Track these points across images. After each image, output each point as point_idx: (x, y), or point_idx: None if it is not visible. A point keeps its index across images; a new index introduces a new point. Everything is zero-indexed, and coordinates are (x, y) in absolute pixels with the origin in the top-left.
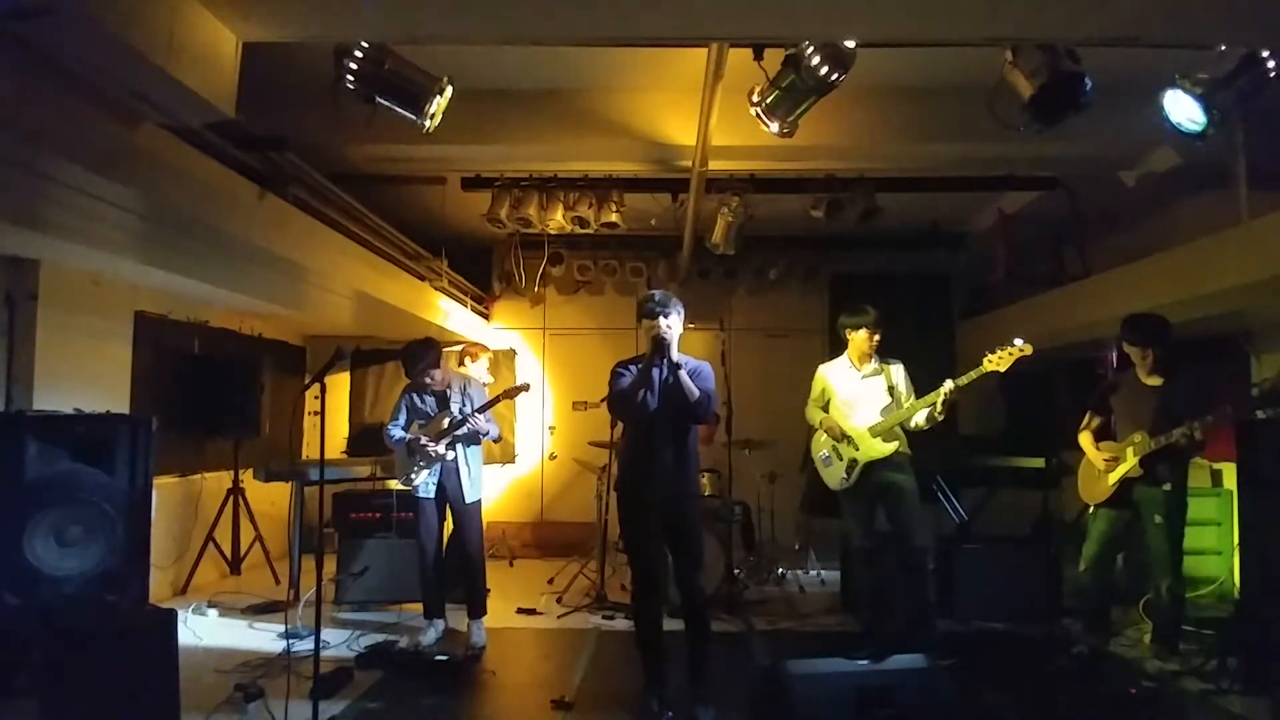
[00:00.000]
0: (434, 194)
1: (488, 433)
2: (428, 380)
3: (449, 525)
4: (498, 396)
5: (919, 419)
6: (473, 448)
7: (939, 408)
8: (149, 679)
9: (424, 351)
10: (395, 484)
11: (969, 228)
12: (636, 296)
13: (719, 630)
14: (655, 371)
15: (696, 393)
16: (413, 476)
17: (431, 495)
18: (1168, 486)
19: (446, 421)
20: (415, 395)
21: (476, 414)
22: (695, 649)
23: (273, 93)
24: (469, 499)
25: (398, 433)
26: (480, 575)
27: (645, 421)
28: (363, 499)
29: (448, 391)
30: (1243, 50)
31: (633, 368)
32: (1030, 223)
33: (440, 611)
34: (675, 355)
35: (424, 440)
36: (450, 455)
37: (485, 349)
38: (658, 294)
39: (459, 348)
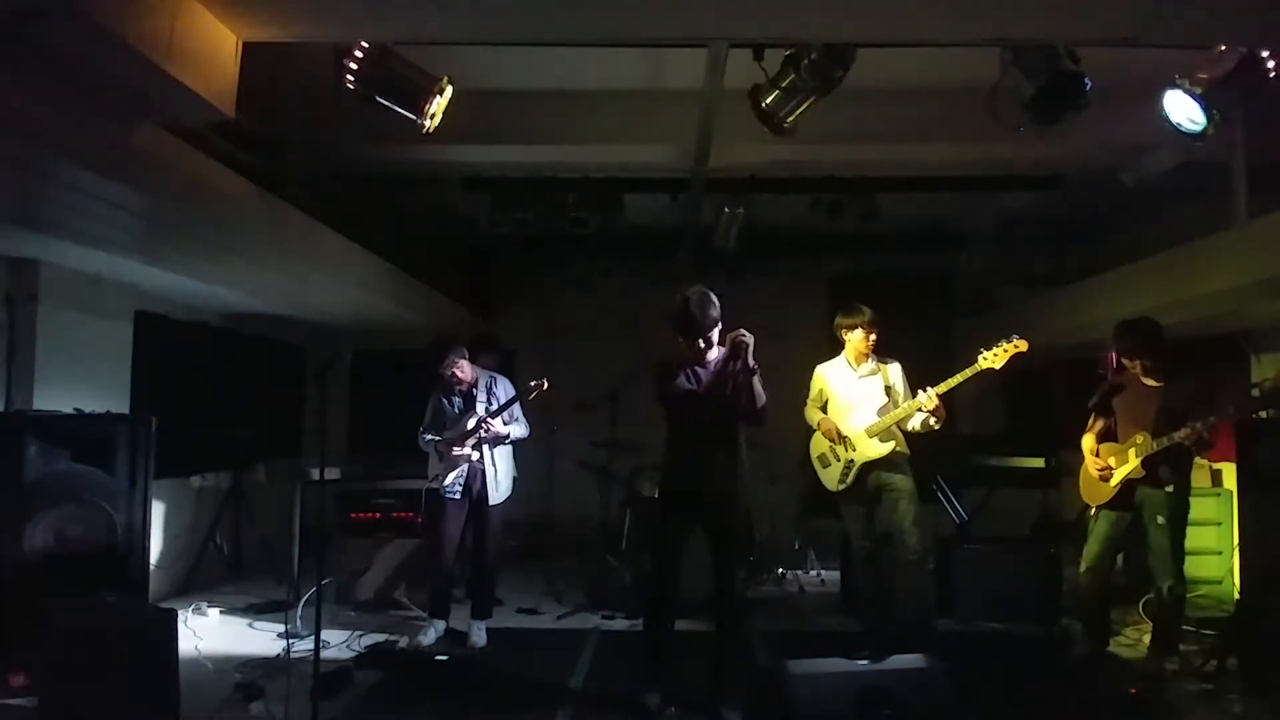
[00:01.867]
0: (434, 194)
1: (507, 436)
2: (458, 374)
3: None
4: (514, 397)
5: (914, 423)
6: (500, 448)
7: (927, 421)
8: (149, 679)
9: (445, 350)
10: (395, 484)
11: (969, 228)
12: (685, 295)
13: None
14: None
15: (764, 398)
16: (442, 478)
17: (457, 496)
18: (1169, 488)
19: (472, 422)
20: (443, 397)
21: (490, 418)
22: (723, 650)
23: (273, 93)
24: (493, 500)
25: (427, 435)
26: (493, 577)
27: (704, 422)
28: (364, 499)
29: (474, 390)
30: (1243, 50)
31: (684, 369)
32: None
33: (444, 612)
34: (752, 360)
35: (452, 447)
36: (476, 456)
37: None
38: (714, 300)
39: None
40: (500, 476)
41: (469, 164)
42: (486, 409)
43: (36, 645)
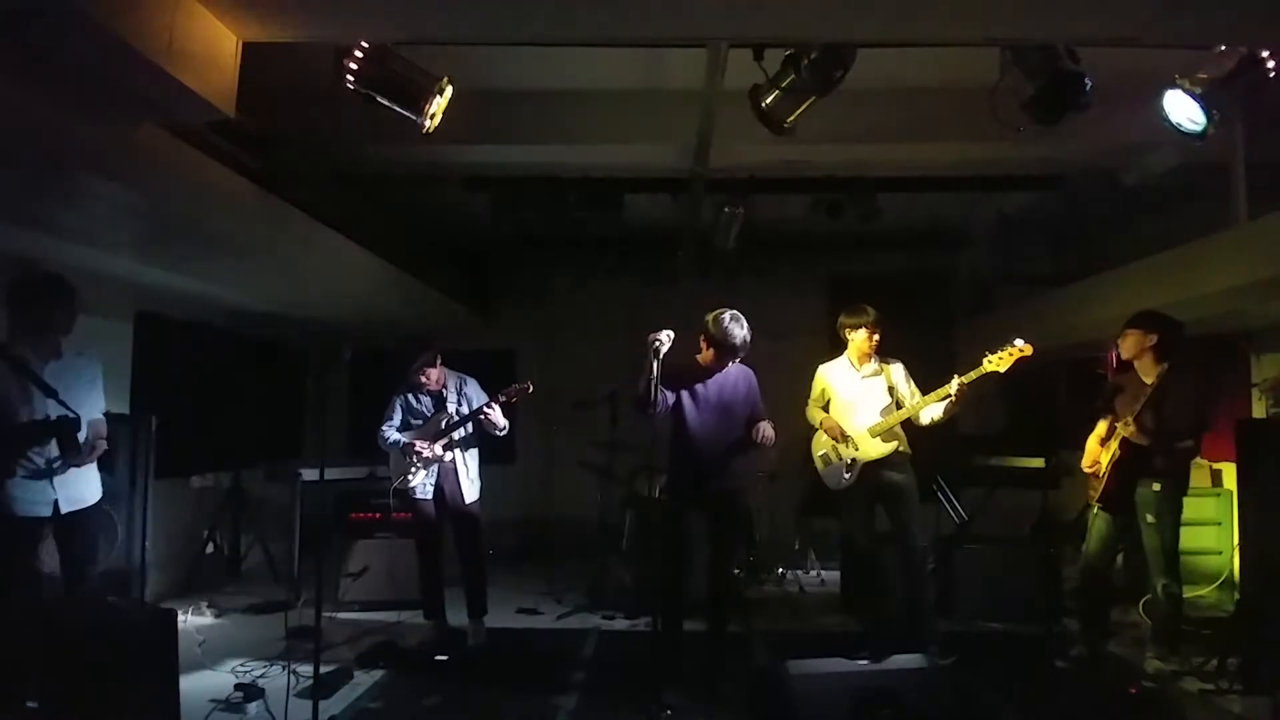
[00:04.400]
0: (434, 194)
1: (504, 427)
2: (422, 380)
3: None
4: (497, 397)
5: (935, 413)
6: (470, 449)
7: (952, 405)
8: (149, 679)
9: (417, 350)
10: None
11: (969, 228)
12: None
13: None
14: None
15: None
16: (409, 478)
17: (429, 496)
18: (1157, 486)
19: (444, 422)
20: (411, 395)
21: (460, 424)
22: (716, 646)
23: (273, 93)
24: (468, 499)
25: (392, 434)
26: (482, 575)
27: (694, 423)
28: (363, 499)
29: (444, 391)
30: (1243, 50)
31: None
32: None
33: (440, 612)
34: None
35: (419, 446)
36: (448, 456)
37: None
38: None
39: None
40: (473, 476)
41: (469, 164)
42: (458, 409)
43: (37, 645)
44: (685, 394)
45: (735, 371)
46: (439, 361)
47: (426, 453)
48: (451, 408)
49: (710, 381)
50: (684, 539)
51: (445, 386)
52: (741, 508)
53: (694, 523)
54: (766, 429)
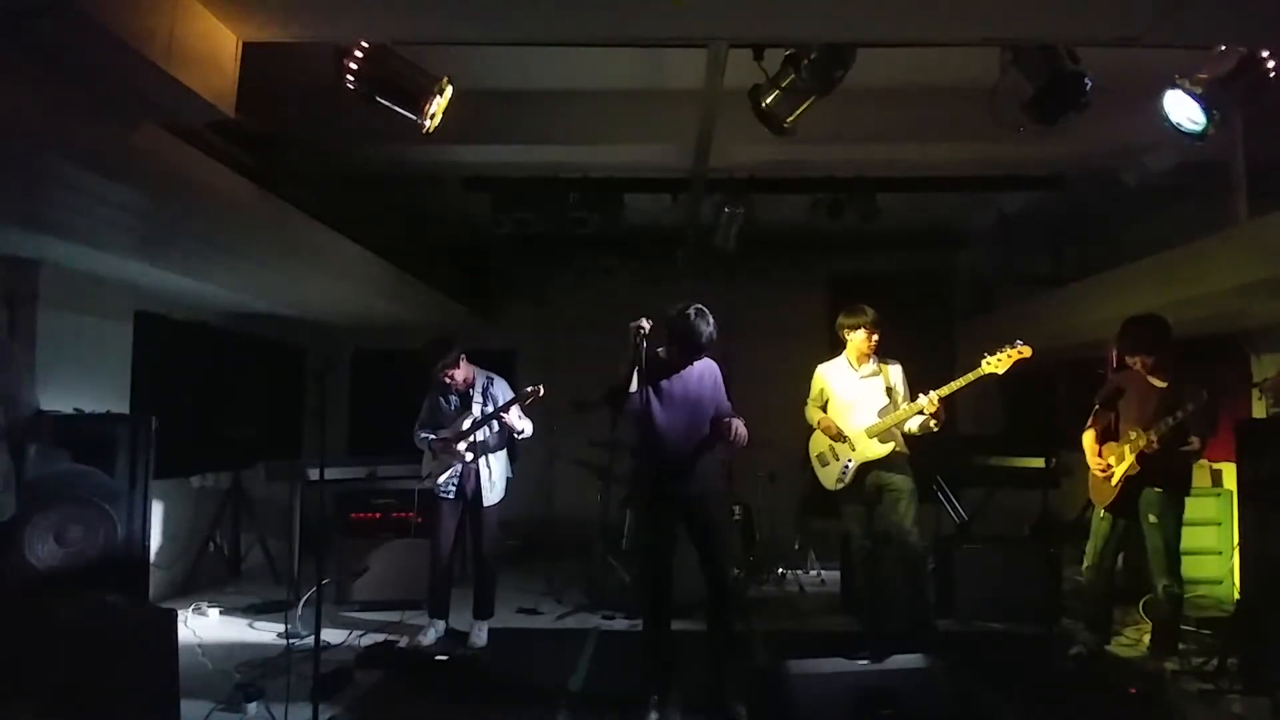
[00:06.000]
0: (434, 194)
1: (522, 431)
2: (448, 380)
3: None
4: (511, 401)
5: (912, 425)
6: (496, 451)
7: (927, 423)
8: (149, 679)
9: (441, 351)
10: (395, 483)
11: (969, 228)
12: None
13: None
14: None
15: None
16: (435, 477)
17: (451, 495)
18: (1159, 488)
19: (467, 423)
20: (440, 396)
21: (484, 423)
22: (720, 645)
23: (273, 93)
24: (488, 501)
25: (423, 433)
26: (492, 577)
27: (660, 419)
28: (364, 499)
29: (470, 391)
30: (1243, 50)
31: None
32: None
33: (444, 611)
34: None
35: (445, 445)
36: (470, 457)
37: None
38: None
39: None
40: (495, 478)
41: (469, 164)
42: (482, 409)
43: (36, 645)
44: (650, 391)
45: (700, 366)
46: (462, 362)
47: (450, 452)
48: (476, 409)
49: (675, 378)
50: (658, 542)
51: (472, 386)
52: (712, 510)
53: (666, 526)
54: (740, 427)
